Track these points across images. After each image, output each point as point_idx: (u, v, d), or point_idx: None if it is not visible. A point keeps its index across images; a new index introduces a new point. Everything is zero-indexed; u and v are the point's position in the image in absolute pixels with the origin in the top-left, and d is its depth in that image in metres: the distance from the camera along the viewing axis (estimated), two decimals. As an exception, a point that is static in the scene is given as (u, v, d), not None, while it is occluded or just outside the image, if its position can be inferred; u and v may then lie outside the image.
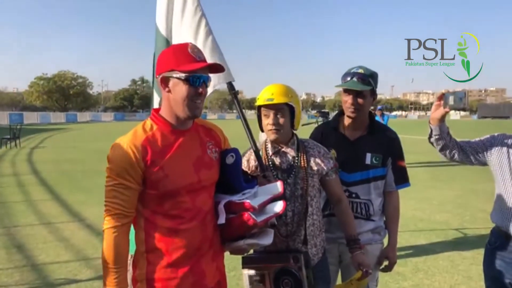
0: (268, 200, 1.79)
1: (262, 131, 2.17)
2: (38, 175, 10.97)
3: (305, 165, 2.10)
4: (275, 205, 1.79)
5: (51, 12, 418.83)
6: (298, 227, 2.08)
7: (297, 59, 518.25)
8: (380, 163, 2.39)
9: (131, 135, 1.62)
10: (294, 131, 2.18)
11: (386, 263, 2.47)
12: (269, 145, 2.18)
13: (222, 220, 1.73)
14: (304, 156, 2.12)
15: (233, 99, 2.34)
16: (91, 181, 9.67)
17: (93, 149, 17.84)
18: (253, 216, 1.68)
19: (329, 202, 2.37)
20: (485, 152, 2.25)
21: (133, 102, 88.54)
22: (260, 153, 2.16)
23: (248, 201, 1.72)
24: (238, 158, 1.82)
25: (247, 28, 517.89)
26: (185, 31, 2.48)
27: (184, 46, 1.64)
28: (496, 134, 2.29)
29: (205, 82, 1.64)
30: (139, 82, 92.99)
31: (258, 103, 2.10)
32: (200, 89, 1.61)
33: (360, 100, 2.33)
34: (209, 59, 2.34)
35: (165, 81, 1.62)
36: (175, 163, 1.62)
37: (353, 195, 2.38)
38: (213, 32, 2.44)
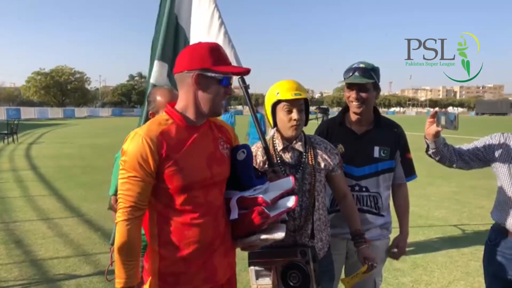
0: (279, 195, 1.79)
1: (273, 127, 2.16)
2: (36, 170, 10.94)
3: (313, 160, 2.12)
4: (287, 200, 1.79)
5: (49, 6, 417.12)
6: (305, 222, 2.09)
7: (296, 55, 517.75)
8: (388, 156, 2.41)
9: (146, 128, 1.61)
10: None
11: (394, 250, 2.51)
12: (277, 141, 2.18)
13: (234, 215, 1.73)
14: (312, 152, 2.14)
15: (243, 94, 2.30)
16: (89, 177, 9.67)
17: (91, 144, 17.82)
18: (266, 211, 1.68)
19: (334, 197, 2.37)
20: (486, 155, 2.28)
21: (131, 97, 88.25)
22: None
23: (261, 196, 1.72)
24: (249, 154, 1.82)
25: (245, 25, 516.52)
26: (200, 24, 2.50)
27: (216, 46, 1.69)
28: (494, 134, 2.31)
29: (231, 83, 1.71)
30: (137, 78, 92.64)
31: (283, 97, 2.05)
32: (229, 90, 1.68)
33: (363, 94, 2.34)
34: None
35: (198, 79, 1.61)
36: (189, 158, 1.62)
37: (363, 189, 2.40)
38: (225, 25, 2.45)
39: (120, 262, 1.58)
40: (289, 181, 1.85)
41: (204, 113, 1.68)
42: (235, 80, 2.36)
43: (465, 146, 2.35)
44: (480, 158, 2.29)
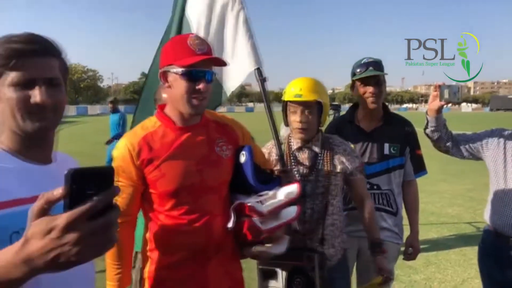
0: (283, 204, 1.64)
1: (287, 125, 2.11)
2: (50, 167, 11.05)
3: (329, 162, 2.02)
4: (289, 210, 1.65)
5: (61, 3, 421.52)
6: (316, 226, 2.01)
7: (307, 51, 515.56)
8: (398, 152, 2.39)
9: (131, 133, 1.60)
10: (320, 127, 2.11)
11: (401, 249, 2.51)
12: (292, 140, 2.12)
13: (230, 223, 1.60)
14: (328, 153, 2.04)
15: (260, 88, 2.16)
16: (102, 174, 9.75)
17: (103, 142, 17.96)
18: (258, 223, 1.56)
19: (347, 195, 2.31)
20: (480, 146, 2.21)
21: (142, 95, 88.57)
22: (283, 147, 2.07)
23: (250, 205, 1.58)
24: (249, 157, 1.66)
25: (258, 20, 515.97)
26: (217, 11, 2.35)
27: (184, 37, 1.54)
28: (494, 128, 2.24)
29: (206, 77, 1.50)
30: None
31: (286, 97, 2.00)
32: (200, 85, 1.49)
33: (379, 88, 2.35)
34: (241, 42, 2.22)
35: (164, 76, 1.54)
36: (174, 162, 1.54)
37: (375, 187, 2.38)
38: (245, 10, 2.29)
39: (109, 266, 1.61)
40: (294, 189, 1.67)
41: (182, 112, 1.56)
42: (252, 74, 2.19)
43: (463, 135, 2.30)
44: (472, 148, 2.23)
